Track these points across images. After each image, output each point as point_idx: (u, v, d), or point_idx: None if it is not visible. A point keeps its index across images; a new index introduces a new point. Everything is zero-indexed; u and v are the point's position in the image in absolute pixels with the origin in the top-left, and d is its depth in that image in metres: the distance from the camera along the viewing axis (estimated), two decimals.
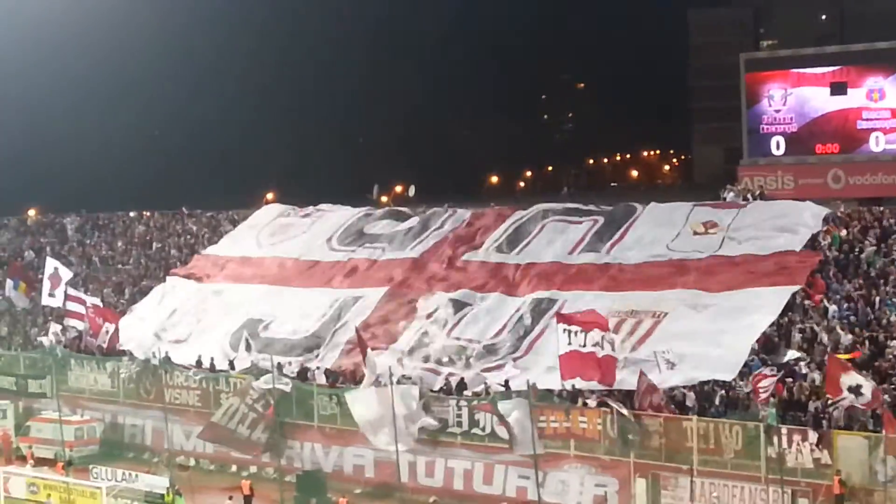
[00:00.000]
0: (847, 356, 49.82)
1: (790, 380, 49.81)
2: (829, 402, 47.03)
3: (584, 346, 50.99)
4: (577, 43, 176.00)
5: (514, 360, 59.39)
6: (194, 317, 72.49)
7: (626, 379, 52.33)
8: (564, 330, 51.63)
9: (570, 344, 51.43)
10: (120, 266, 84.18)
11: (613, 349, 52.43)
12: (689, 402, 50.89)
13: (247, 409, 59.19)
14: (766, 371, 48.81)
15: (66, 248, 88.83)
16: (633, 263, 62.85)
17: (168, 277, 77.65)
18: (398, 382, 56.56)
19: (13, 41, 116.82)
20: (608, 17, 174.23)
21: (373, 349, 60.05)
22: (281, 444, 59.01)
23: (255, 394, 59.40)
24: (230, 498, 53.76)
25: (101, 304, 72.93)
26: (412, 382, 57.74)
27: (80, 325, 71.33)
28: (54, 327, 73.09)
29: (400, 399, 54.80)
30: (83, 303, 70.81)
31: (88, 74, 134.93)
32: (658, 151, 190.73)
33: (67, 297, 71.54)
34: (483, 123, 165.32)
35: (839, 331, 52.24)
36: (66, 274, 74.48)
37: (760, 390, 47.83)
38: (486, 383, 57.14)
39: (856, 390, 45.73)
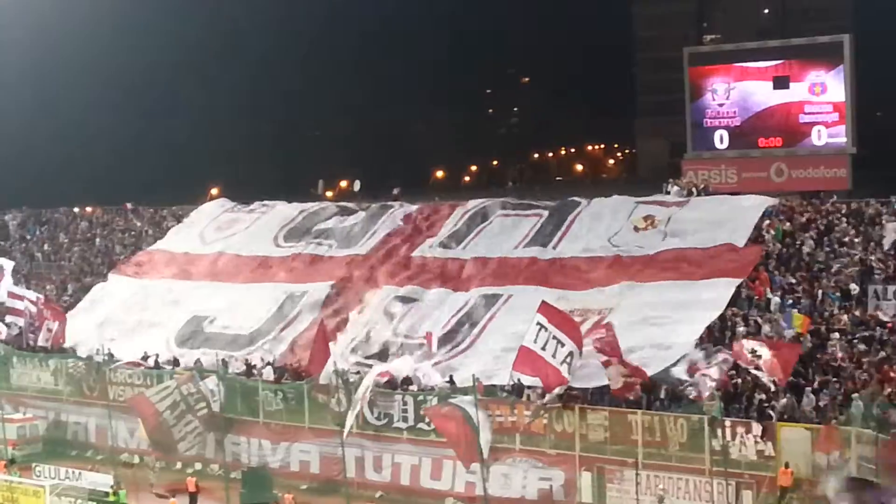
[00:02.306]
0: None
1: (734, 372, 50.05)
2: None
3: (545, 349, 50.35)
4: (521, 37, 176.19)
5: (459, 354, 59.36)
6: (138, 313, 72.04)
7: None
8: (538, 324, 50.38)
9: (535, 341, 50.18)
10: (63, 262, 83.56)
11: (569, 369, 50.75)
12: (631, 396, 50.95)
13: (179, 396, 58.43)
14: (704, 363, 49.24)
15: (9, 244, 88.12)
16: (576, 258, 63.00)
17: (111, 274, 77.15)
18: (342, 377, 56.47)
19: None
20: (552, 12, 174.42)
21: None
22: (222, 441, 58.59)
23: (192, 387, 58.81)
24: (173, 495, 53.56)
25: (46, 300, 72.42)
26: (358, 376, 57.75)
27: (21, 322, 70.66)
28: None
29: None
30: (23, 299, 70.20)
31: (31, 68, 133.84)
32: (603, 145, 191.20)
33: (9, 294, 70.91)
34: (428, 118, 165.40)
35: (782, 323, 52.56)
36: (7, 269, 73.79)
37: (704, 382, 48.15)
38: (430, 378, 57.05)
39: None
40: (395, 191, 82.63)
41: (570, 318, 53.13)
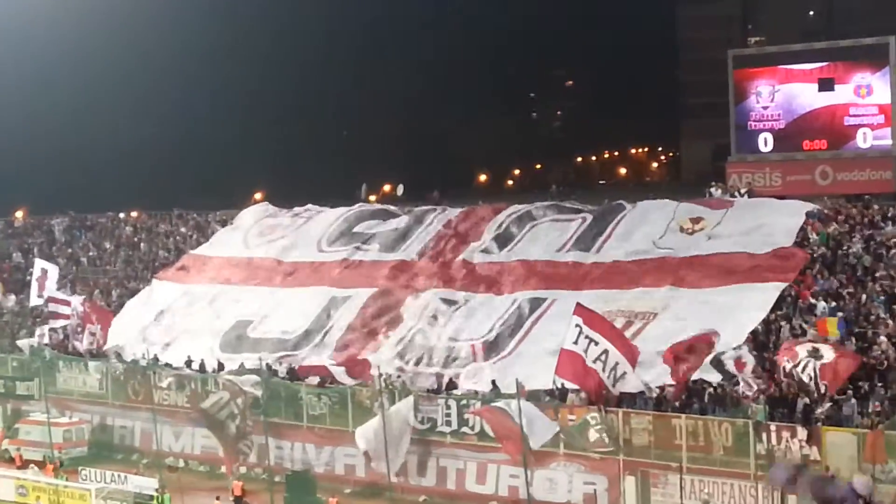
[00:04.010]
0: None
1: (779, 376, 49.79)
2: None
3: (586, 353, 50.02)
4: (566, 40, 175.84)
5: (503, 358, 59.33)
6: (182, 318, 72.38)
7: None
8: (577, 325, 49.98)
9: (575, 343, 49.70)
10: (108, 267, 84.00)
11: (614, 376, 50.27)
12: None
13: (235, 406, 58.84)
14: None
15: (54, 249, 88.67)
16: (621, 262, 62.85)
17: (155, 279, 77.52)
18: (386, 382, 56.61)
19: None
20: (597, 15, 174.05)
21: (362, 349, 60.29)
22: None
23: (241, 393, 59.14)
24: (217, 499, 53.75)
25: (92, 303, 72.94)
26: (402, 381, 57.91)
27: (65, 326, 71.11)
28: (41, 329, 73.01)
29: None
30: (69, 304, 70.67)
31: (76, 75, 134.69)
32: (647, 149, 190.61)
33: (52, 299, 71.42)
34: (472, 121, 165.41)
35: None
36: (53, 274, 74.37)
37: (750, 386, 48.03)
38: (474, 382, 57.04)
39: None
40: (434, 194, 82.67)
41: (605, 319, 52.72)
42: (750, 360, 49.96)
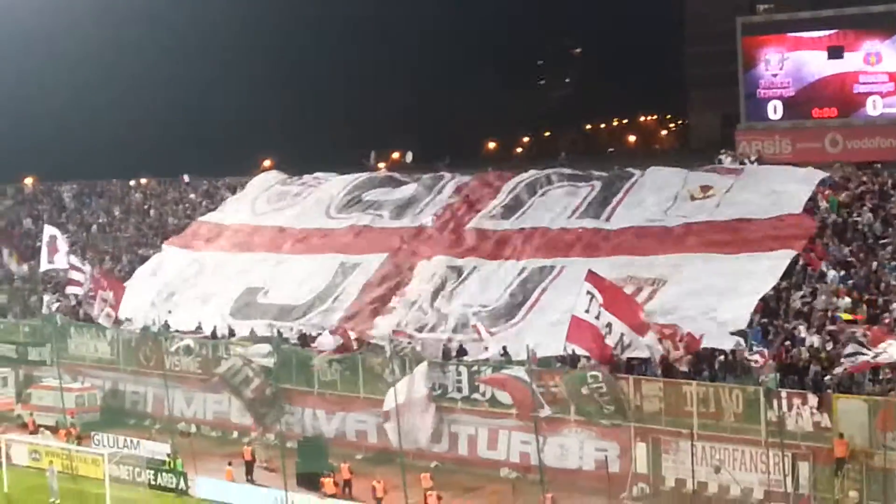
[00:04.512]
0: (851, 318, 50.24)
1: (789, 343, 49.95)
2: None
3: (598, 318, 49.90)
4: (573, 8, 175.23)
5: (513, 325, 59.47)
6: (192, 285, 72.56)
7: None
8: (588, 292, 49.48)
9: (587, 311, 49.20)
10: (118, 234, 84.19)
11: (622, 344, 49.92)
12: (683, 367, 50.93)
13: (249, 371, 59.25)
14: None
15: (64, 216, 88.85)
16: (630, 228, 62.90)
17: (165, 245, 77.68)
18: (398, 348, 56.89)
19: (5, 9, 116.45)
20: None
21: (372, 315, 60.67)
22: (277, 412, 59.19)
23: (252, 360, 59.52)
24: (230, 464, 54.09)
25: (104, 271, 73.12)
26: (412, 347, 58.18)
27: (79, 293, 71.29)
28: (50, 296, 73.25)
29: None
30: (82, 271, 70.84)
31: (82, 43, 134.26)
32: (655, 116, 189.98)
33: (69, 266, 71.60)
34: (480, 89, 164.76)
35: (837, 295, 52.37)
36: (63, 244, 74.53)
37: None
38: (486, 349, 57.20)
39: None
40: (445, 161, 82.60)
41: (616, 287, 52.71)
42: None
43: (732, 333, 51.11)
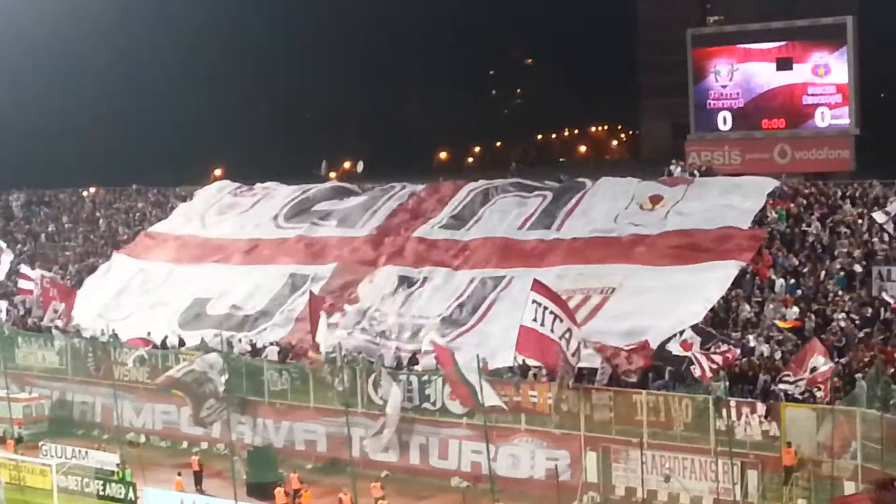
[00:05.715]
0: (788, 325, 50.64)
1: (738, 353, 50.17)
2: (791, 379, 47.26)
3: (544, 326, 50.08)
4: (525, 18, 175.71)
5: (463, 335, 59.44)
6: (142, 294, 72.14)
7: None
8: (534, 301, 50.03)
9: (534, 320, 49.76)
10: (67, 243, 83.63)
11: (567, 345, 50.39)
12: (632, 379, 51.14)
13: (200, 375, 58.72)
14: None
15: (12, 224, 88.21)
16: (581, 239, 63.01)
17: (115, 254, 77.22)
18: (346, 357, 56.82)
19: None
20: None
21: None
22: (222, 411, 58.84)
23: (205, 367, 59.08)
24: (179, 474, 53.83)
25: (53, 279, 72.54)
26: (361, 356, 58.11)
27: (27, 302, 70.82)
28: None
29: None
30: (31, 279, 70.39)
31: (30, 49, 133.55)
32: (606, 127, 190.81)
33: (18, 274, 71.11)
34: (432, 99, 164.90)
35: (785, 305, 52.71)
36: (7, 253, 74.04)
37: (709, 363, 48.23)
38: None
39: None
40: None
41: (559, 296, 52.49)
42: (697, 340, 50.15)
43: (682, 343, 51.24)
